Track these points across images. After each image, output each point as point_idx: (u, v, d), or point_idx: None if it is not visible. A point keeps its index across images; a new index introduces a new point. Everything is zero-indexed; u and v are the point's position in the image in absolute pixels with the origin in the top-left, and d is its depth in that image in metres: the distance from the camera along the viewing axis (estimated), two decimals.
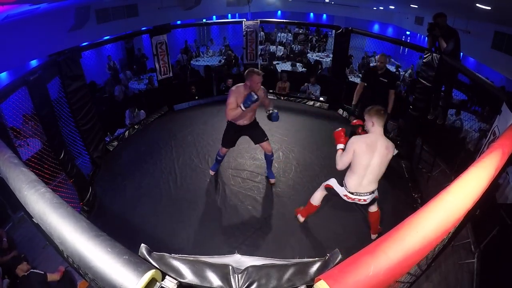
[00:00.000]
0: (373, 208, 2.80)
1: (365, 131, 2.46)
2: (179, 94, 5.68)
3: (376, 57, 4.01)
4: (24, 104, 2.83)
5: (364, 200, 2.51)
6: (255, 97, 2.91)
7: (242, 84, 3.06)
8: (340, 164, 2.38)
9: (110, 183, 3.78)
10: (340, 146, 2.47)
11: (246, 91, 3.00)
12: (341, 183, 2.55)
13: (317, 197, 2.89)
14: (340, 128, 2.56)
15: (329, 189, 2.72)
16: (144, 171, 3.92)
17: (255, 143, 3.42)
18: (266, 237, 2.99)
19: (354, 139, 2.33)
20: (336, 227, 3.12)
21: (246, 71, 3.01)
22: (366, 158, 2.29)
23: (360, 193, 2.45)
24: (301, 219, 3.13)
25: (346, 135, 2.55)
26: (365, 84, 4.08)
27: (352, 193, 2.47)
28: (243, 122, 3.23)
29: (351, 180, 2.43)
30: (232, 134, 3.36)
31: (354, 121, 2.82)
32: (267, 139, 3.37)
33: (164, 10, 9.98)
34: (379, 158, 2.29)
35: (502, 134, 1.79)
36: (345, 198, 2.55)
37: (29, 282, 2.62)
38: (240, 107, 2.95)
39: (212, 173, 3.77)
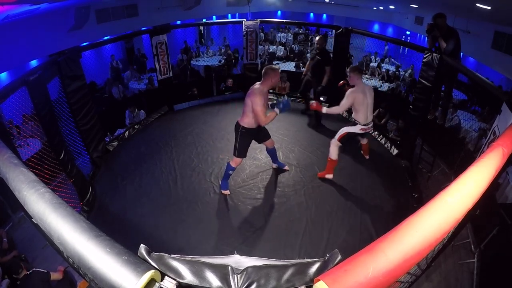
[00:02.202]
0: (365, 141, 4.01)
1: (350, 86, 3.39)
2: (179, 94, 5.68)
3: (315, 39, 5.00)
4: (24, 104, 2.84)
5: (372, 128, 3.60)
6: (290, 101, 3.01)
7: (259, 84, 2.95)
8: (342, 109, 3.41)
9: (110, 183, 3.78)
10: (325, 108, 3.41)
11: (268, 88, 2.96)
12: (354, 124, 3.46)
13: (334, 152, 3.58)
14: (313, 103, 3.44)
15: (344, 137, 3.50)
16: (144, 171, 3.91)
17: (261, 142, 3.46)
18: (266, 237, 2.99)
19: (352, 91, 3.25)
20: (336, 227, 3.11)
21: (266, 68, 2.93)
22: (365, 101, 3.29)
23: (369, 122, 3.42)
24: (330, 176, 3.72)
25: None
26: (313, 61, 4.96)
27: (365, 125, 3.41)
28: (257, 124, 3.08)
29: (361, 117, 3.38)
30: (250, 140, 3.22)
31: (340, 82, 3.81)
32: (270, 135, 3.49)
33: (164, 10, 9.98)
34: (370, 98, 3.34)
35: (502, 134, 1.79)
36: (361, 131, 3.46)
37: (31, 280, 2.62)
38: (276, 112, 2.94)
39: (227, 192, 3.46)
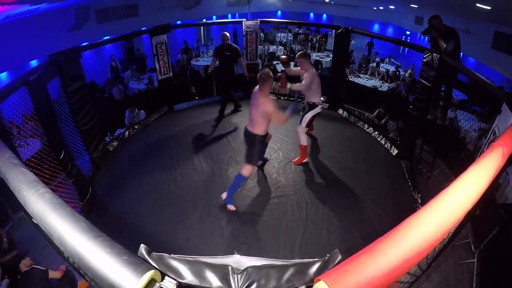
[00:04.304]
0: None
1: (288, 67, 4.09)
2: (179, 94, 5.68)
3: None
4: (24, 104, 2.83)
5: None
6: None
7: (259, 92, 2.97)
8: (304, 87, 3.71)
9: (110, 183, 3.78)
10: (289, 84, 3.72)
11: (268, 94, 3.01)
12: (314, 107, 3.86)
13: (304, 138, 3.93)
14: (280, 74, 3.73)
15: (310, 122, 3.95)
16: (144, 171, 3.91)
17: None
18: (266, 237, 2.99)
19: (313, 73, 3.67)
20: (336, 227, 3.11)
21: (262, 75, 2.93)
22: (319, 81, 3.73)
23: (323, 101, 3.94)
24: (306, 160, 4.01)
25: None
26: (217, 59, 5.05)
27: (321, 104, 3.91)
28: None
29: (318, 97, 3.84)
30: (263, 145, 3.35)
31: (283, 57, 4.11)
32: None
33: (164, 10, 9.98)
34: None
35: (502, 134, 1.79)
36: (320, 109, 3.91)
37: (30, 277, 2.63)
38: (289, 113, 3.05)
39: (233, 208, 3.27)
